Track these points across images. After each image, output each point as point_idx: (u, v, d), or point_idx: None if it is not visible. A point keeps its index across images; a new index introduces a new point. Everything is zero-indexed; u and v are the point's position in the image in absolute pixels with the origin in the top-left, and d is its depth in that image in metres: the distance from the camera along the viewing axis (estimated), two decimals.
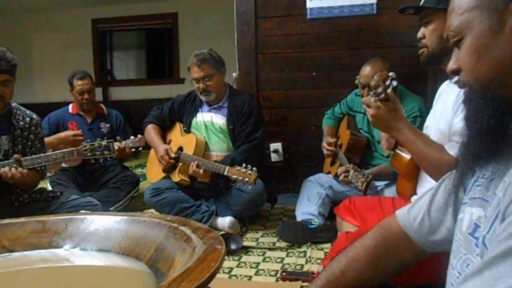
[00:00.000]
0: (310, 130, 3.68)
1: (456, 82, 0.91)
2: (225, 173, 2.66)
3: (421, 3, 1.72)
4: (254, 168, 2.60)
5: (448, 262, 0.91)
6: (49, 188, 3.19)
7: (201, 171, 2.77)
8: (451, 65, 0.88)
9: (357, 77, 2.85)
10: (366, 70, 2.75)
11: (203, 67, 2.93)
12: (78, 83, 3.55)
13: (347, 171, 2.47)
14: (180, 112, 3.17)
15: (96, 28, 7.73)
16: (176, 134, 3.13)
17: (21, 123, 2.42)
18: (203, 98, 3.03)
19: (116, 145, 3.20)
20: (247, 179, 2.56)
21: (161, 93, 7.07)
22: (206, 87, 2.95)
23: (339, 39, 3.63)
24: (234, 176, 2.62)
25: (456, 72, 0.88)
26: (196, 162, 2.79)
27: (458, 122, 1.47)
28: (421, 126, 1.92)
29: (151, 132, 3.14)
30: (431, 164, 1.51)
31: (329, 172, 3.08)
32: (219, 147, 3.01)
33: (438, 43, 1.63)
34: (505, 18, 0.77)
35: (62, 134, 3.28)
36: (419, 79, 3.34)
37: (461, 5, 0.83)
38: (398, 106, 1.62)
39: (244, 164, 2.63)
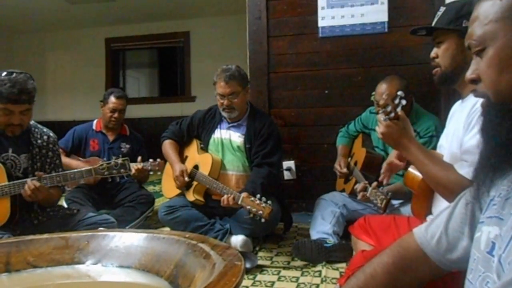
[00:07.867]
0: (323, 147, 3.70)
1: (472, 91, 0.90)
2: (239, 202, 2.60)
3: (433, 23, 1.75)
4: (269, 202, 2.52)
5: (464, 280, 0.92)
6: (65, 205, 3.20)
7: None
8: (469, 74, 0.88)
9: (373, 93, 2.85)
10: (382, 87, 2.74)
11: (231, 83, 2.88)
12: (113, 101, 3.63)
13: (365, 188, 2.44)
14: (199, 129, 3.14)
15: (110, 46, 7.86)
16: (193, 151, 3.12)
17: (39, 141, 2.46)
18: (225, 114, 3.00)
19: (135, 166, 3.25)
20: (260, 212, 2.49)
21: (172, 111, 7.11)
22: (231, 104, 2.91)
23: (351, 57, 3.67)
24: (248, 207, 2.54)
25: (474, 81, 0.87)
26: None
27: (468, 140, 1.48)
28: (437, 146, 1.92)
29: (168, 148, 3.13)
30: (439, 183, 1.52)
31: (343, 190, 3.06)
32: (234, 166, 2.98)
33: (451, 62, 1.65)
34: None
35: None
36: (431, 97, 3.35)
37: (487, 15, 0.82)
38: (408, 125, 1.63)
39: (258, 195, 2.56)
